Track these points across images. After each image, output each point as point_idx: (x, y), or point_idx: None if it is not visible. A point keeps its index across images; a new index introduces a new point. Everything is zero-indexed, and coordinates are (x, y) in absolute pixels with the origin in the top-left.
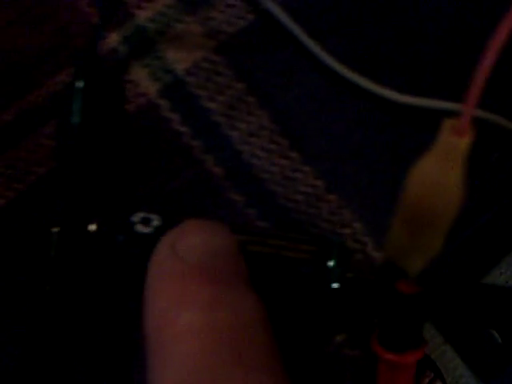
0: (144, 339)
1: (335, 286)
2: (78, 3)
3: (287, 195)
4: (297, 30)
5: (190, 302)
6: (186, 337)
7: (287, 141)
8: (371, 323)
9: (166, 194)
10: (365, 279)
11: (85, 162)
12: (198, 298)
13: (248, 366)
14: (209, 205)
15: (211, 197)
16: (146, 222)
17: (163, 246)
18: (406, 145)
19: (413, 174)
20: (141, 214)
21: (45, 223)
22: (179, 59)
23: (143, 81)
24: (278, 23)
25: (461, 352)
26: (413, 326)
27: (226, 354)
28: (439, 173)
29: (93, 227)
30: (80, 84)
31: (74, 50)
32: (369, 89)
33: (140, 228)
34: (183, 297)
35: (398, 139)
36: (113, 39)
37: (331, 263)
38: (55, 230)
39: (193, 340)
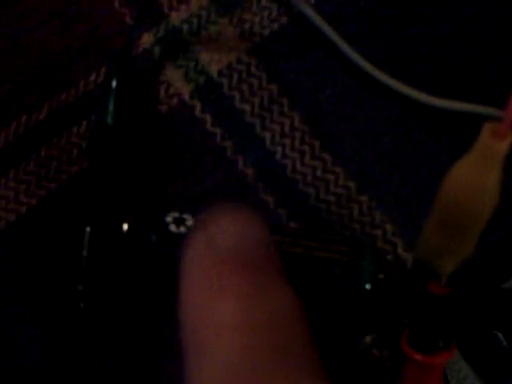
0: (180, 331)
1: (368, 286)
2: (112, 3)
3: (318, 196)
4: (329, 33)
5: (227, 294)
6: (225, 330)
7: (319, 142)
8: (400, 323)
9: (198, 193)
10: (396, 280)
11: (118, 162)
12: (235, 289)
13: (288, 360)
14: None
15: (242, 197)
16: (178, 222)
17: (196, 231)
18: (437, 147)
19: (450, 176)
20: (174, 214)
21: (77, 223)
22: (213, 61)
23: (176, 82)
24: (310, 25)
25: (465, 354)
26: (442, 326)
27: (266, 347)
28: (478, 175)
29: (125, 227)
30: (114, 84)
31: (106, 50)
32: (400, 91)
33: (173, 228)
34: (220, 288)
35: (429, 142)
36: (146, 40)
37: (364, 264)
38: (88, 229)
39: (232, 334)
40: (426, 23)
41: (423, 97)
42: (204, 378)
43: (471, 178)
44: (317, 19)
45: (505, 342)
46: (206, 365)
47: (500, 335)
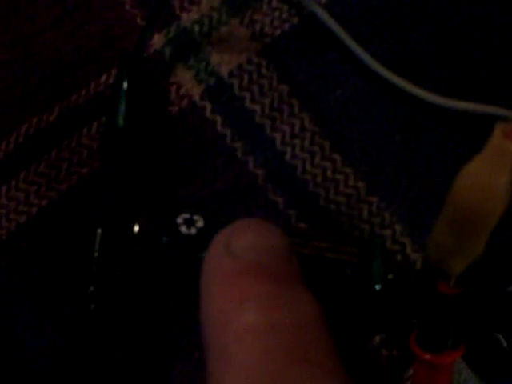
0: (202, 336)
1: (377, 287)
2: (123, 5)
3: (328, 197)
4: (340, 33)
5: (249, 301)
6: (248, 337)
7: (329, 143)
8: (409, 324)
9: (208, 194)
10: (405, 280)
11: (129, 163)
12: (257, 297)
13: (311, 366)
14: (250, 205)
15: (253, 197)
16: (189, 223)
17: (217, 246)
18: (448, 148)
19: (462, 177)
20: (185, 216)
21: (88, 224)
22: (223, 61)
23: (187, 83)
24: (321, 26)
25: (466, 356)
26: (452, 326)
27: (288, 354)
28: (489, 175)
29: (136, 228)
30: (125, 85)
31: (117, 51)
32: (411, 92)
33: (184, 229)
34: (242, 296)
35: (439, 142)
36: (157, 41)
37: (374, 265)
38: (99, 231)
39: (254, 340)
40: (437, 23)
41: (433, 97)
42: (226, 381)
43: (482, 178)
44: (327, 20)
45: (505, 344)
46: (229, 368)
47: (500, 337)
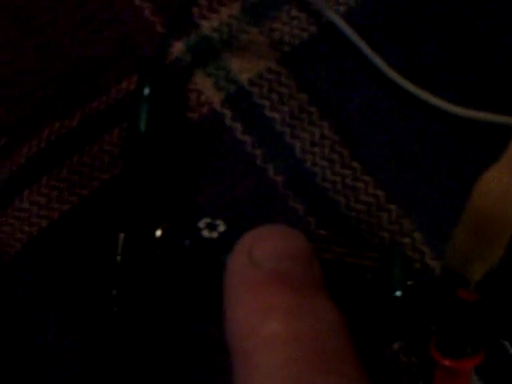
0: (227, 342)
1: (398, 293)
2: (142, 12)
3: (348, 204)
4: (358, 42)
5: (272, 310)
6: (272, 346)
7: (348, 151)
8: (428, 330)
9: (228, 201)
10: (425, 286)
11: (150, 169)
12: (280, 307)
13: (336, 375)
14: (270, 212)
15: (272, 204)
16: (211, 227)
17: (240, 253)
18: (466, 157)
19: (480, 184)
20: (206, 220)
21: (110, 229)
22: (243, 69)
23: (207, 90)
24: (339, 35)
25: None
26: (471, 332)
27: (313, 363)
28: (508, 183)
29: (159, 233)
30: (147, 92)
31: (137, 57)
32: (428, 101)
33: (206, 233)
34: (265, 306)
35: (457, 151)
36: (177, 48)
37: (395, 271)
38: (121, 235)
39: (279, 350)
40: (454, 33)
41: (450, 107)
42: None
43: (501, 185)
44: (346, 29)
45: (511, 351)
46: (253, 377)
47: (507, 344)
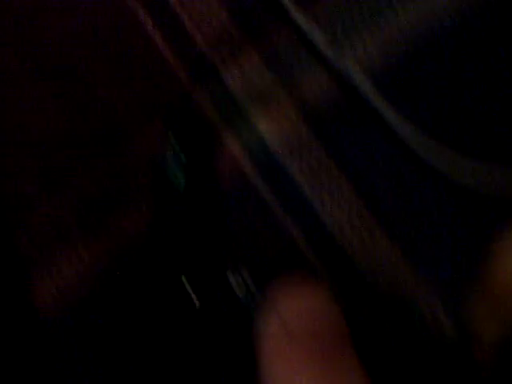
0: None
1: None
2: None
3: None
4: (383, 109)
5: (303, 369)
6: None
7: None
8: None
9: (251, 258)
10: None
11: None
12: (310, 366)
13: None
14: (291, 269)
15: (293, 261)
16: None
17: (269, 312)
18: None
19: (498, 256)
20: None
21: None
22: (269, 130)
23: (235, 151)
24: (363, 100)
25: None
26: None
27: None
28: None
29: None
30: (183, 159)
31: (165, 109)
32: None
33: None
34: (296, 365)
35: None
36: (203, 106)
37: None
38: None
39: None
40: (480, 94)
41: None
42: None
43: None
44: (370, 93)
45: None
46: None
47: None
